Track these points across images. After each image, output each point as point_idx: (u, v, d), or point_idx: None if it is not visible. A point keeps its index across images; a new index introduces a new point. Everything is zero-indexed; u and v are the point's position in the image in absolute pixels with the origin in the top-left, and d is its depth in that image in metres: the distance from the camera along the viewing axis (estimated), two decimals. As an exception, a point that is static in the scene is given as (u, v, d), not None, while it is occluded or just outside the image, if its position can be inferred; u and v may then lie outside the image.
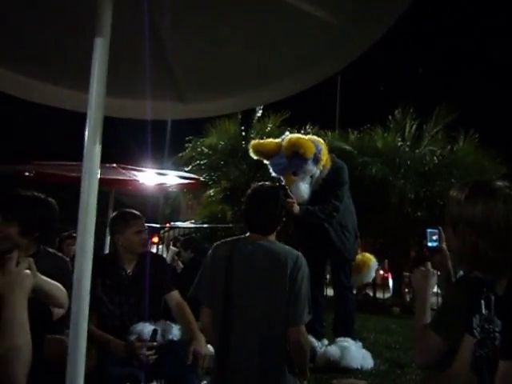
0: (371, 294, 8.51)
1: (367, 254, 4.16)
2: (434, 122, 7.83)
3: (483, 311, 1.28)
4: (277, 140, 3.54)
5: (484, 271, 1.27)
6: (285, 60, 1.78)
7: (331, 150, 8.59)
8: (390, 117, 8.10)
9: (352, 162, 7.33)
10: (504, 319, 1.18)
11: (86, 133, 1.23)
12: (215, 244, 2.10)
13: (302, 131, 8.71)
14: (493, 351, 1.22)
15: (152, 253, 2.51)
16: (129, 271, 2.41)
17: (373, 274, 4.16)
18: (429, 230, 1.68)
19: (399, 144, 7.77)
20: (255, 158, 3.67)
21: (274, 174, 3.58)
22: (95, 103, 1.24)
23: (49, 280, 1.90)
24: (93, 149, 1.22)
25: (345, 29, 1.67)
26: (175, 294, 2.45)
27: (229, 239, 2.08)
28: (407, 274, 8.13)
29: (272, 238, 2.00)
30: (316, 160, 3.39)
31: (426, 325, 1.59)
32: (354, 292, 7.48)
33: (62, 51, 1.81)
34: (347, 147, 7.81)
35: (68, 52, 1.80)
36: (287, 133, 3.65)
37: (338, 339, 3.38)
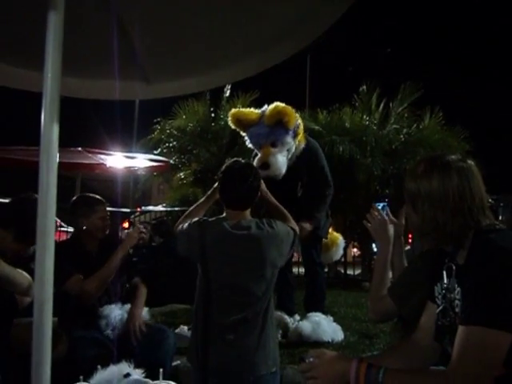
0: (342, 271, 8.72)
1: (335, 233, 4.25)
2: (400, 101, 7.95)
3: (445, 280, 1.34)
4: (257, 110, 3.51)
5: (445, 243, 1.32)
6: (250, 37, 1.76)
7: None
8: (355, 95, 8.18)
9: (320, 141, 7.38)
10: (463, 286, 1.23)
11: (43, 112, 1.19)
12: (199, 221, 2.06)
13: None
14: (454, 319, 1.28)
15: (115, 236, 2.55)
16: (94, 254, 2.42)
17: (341, 252, 4.26)
18: (376, 205, 1.75)
19: (366, 123, 7.87)
20: (233, 127, 3.60)
21: (250, 146, 3.54)
22: (50, 81, 1.19)
23: (13, 268, 1.86)
24: (50, 128, 1.18)
25: (311, 4, 1.67)
26: (137, 281, 2.53)
27: (209, 219, 2.05)
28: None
29: (248, 215, 2.01)
30: (294, 133, 3.39)
31: (384, 285, 1.67)
32: (326, 270, 7.68)
33: (17, 29, 1.73)
34: (316, 127, 7.84)
35: (23, 30, 1.72)
36: (266, 106, 3.60)
37: (309, 314, 3.46)
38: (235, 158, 2.09)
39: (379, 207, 1.75)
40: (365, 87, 8.05)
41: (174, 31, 1.78)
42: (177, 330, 3.13)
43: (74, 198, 2.50)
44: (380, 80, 8.37)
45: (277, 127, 3.27)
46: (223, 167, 2.04)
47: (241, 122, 3.48)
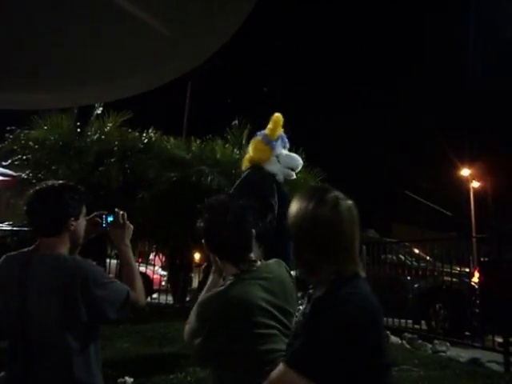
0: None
1: None
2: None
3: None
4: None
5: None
6: (114, 62, 1.69)
7: (172, 158, 8.44)
8: (227, 129, 8.45)
9: (189, 171, 7.40)
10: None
11: None
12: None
13: (144, 134, 8.47)
14: None
15: None
16: None
17: None
18: None
19: (237, 157, 8.14)
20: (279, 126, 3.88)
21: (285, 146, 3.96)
22: None
23: None
24: None
25: (177, 41, 1.67)
26: None
27: (15, 253, 1.80)
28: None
29: (59, 246, 1.76)
30: None
31: None
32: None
33: None
34: (187, 156, 7.88)
35: None
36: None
37: None
38: (50, 181, 1.85)
39: None
40: (237, 122, 8.38)
41: (30, 40, 1.61)
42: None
43: None
44: (253, 116, 8.81)
45: None
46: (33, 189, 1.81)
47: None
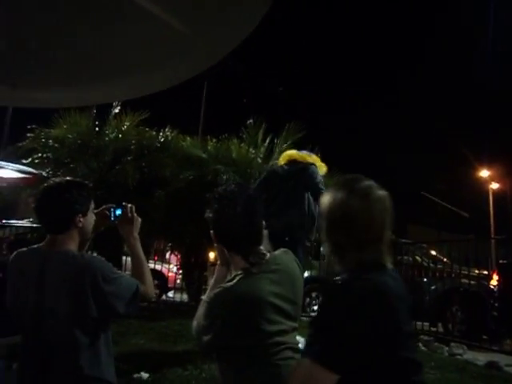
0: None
1: None
2: (284, 138, 8.42)
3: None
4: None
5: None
6: (126, 59, 1.71)
7: (188, 157, 8.52)
8: (243, 128, 8.46)
9: (205, 170, 7.46)
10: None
11: None
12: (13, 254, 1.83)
13: (161, 133, 8.55)
14: None
15: None
16: None
17: None
18: None
19: (253, 156, 8.16)
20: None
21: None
22: None
23: None
24: None
25: (192, 39, 1.69)
26: None
27: (25, 249, 1.82)
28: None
29: (67, 242, 1.77)
30: None
31: None
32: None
33: None
34: (203, 155, 7.92)
35: None
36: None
37: None
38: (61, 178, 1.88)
39: None
40: (252, 121, 8.39)
41: (45, 37, 1.65)
42: None
43: None
44: (268, 116, 8.80)
45: None
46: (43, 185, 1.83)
47: None
